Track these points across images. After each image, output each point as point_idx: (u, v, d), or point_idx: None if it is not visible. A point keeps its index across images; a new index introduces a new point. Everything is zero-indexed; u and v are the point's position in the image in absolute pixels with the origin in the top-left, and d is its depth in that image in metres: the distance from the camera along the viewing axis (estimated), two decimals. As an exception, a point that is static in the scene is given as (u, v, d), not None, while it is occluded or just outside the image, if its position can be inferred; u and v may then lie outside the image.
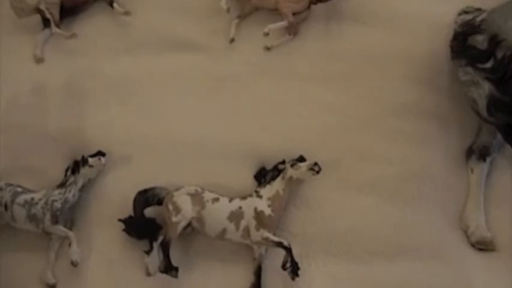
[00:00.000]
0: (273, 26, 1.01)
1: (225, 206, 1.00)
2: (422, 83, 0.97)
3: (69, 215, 1.15)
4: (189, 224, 1.03)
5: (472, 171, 0.91)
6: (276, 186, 0.98)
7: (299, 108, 0.99)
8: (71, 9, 1.30)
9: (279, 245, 0.96)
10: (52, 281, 1.10)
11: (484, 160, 0.91)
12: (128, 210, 1.10)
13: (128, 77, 1.12)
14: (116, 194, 1.12)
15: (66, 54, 1.19)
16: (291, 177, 0.97)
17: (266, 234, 0.97)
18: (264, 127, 0.99)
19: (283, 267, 0.99)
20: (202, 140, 1.03)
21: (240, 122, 1.01)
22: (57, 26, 1.27)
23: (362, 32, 1.01)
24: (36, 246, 1.08)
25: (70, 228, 1.14)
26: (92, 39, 1.19)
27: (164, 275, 0.97)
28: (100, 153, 1.17)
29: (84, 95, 1.14)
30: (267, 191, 0.99)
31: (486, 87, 0.84)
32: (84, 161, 1.14)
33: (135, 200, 1.12)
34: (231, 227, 0.97)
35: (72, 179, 1.16)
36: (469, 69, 0.87)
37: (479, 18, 0.89)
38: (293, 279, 0.98)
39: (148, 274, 1.05)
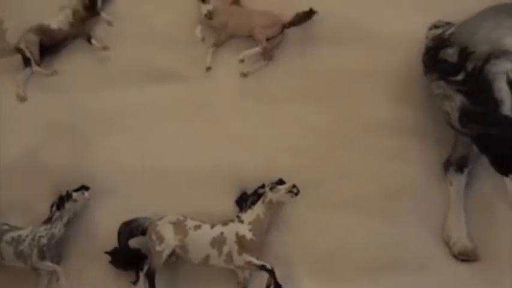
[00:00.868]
0: (247, 53, 1.02)
1: (207, 233, 1.01)
2: (398, 99, 0.97)
3: (56, 250, 1.16)
4: (173, 252, 1.03)
5: (450, 183, 0.91)
6: (257, 210, 0.99)
7: (277, 130, 0.99)
8: (50, 47, 1.32)
9: (262, 268, 0.97)
10: None
11: (462, 171, 0.91)
12: (114, 242, 1.08)
13: (110, 110, 1.13)
14: (102, 226, 1.12)
15: (48, 91, 1.20)
16: (271, 201, 0.98)
17: (249, 258, 0.97)
18: (244, 151, 1.00)
19: None
20: (184, 168, 1.04)
21: (220, 148, 1.02)
22: (38, 64, 1.28)
23: (335, 52, 1.01)
24: (25, 282, 1.07)
25: (58, 263, 1.15)
26: (72, 76, 1.21)
27: (152, 304, 0.98)
28: (84, 188, 1.17)
29: (67, 130, 1.14)
30: (248, 215, 1.00)
31: (458, 99, 0.84)
32: (68, 196, 1.14)
33: (120, 232, 1.13)
34: (213, 252, 0.98)
35: (57, 214, 1.17)
36: (441, 82, 0.87)
37: (448, 32, 0.89)
38: None
39: None
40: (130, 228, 1.13)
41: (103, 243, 1.11)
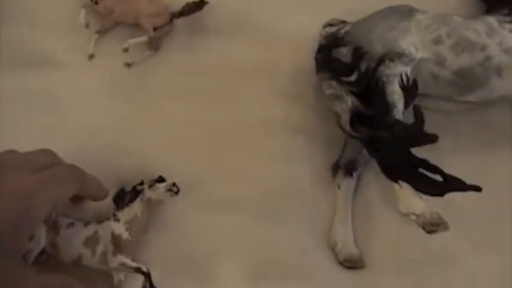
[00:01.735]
0: (132, 41, 0.96)
1: (80, 231, 0.92)
2: (288, 97, 0.92)
3: None
4: (43, 251, 0.95)
5: (338, 187, 0.87)
6: (135, 208, 0.91)
7: (160, 126, 0.92)
8: None
9: (137, 270, 0.89)
10: None
11: (351, 175, 0.88)
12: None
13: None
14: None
15: None
16: (149, 199, 0.90)
17: (123, 259, 0.89)
18: (124, 147, 0.92)
19: None
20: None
21: (98, 142, 0.94)
22: None
23: (226, 45, 0.95)
24: None
25: None
26: None
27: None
28: None
29: None
30: (125, 213, 0.92)
31: (349, 101, 0.81)
32: None
33: None
34: (87, 253, 0.90)
35: None
36: (333, 82, 0.83)
37: (343, 31, 0.86)
38: None
39: None
40: None
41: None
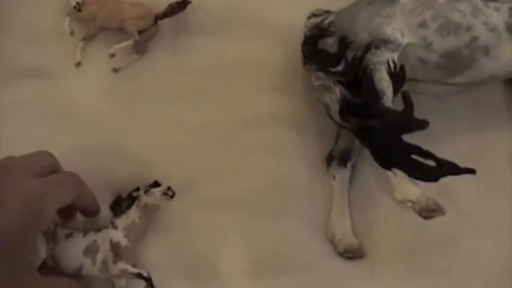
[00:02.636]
0: (118, 46, 0.95)
1: (79, 241, 0.92)
2: (277, 91, 0.91)
3: None
4: (44, 263, 0.95)
5: (333, 178, 0.86)
6: (132, 215, 0.91)
7: (152, 129, 0.91)
8: None
9: (138, 276, 0.89)
10: None
11: (345, 165, 0.87)
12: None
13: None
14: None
15: None
16: (146, 204, 0.90)
17: (124, 266, 0.89)
18: (117, 153, 0.92)
19: None
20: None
21: (92, 149, 0.94)
22: None
23: (212, 43, 0.94)
24: None
25: None
26: None
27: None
28: None
29: None
30: (123, 220, 0.91)
31: (338, 91, 0.80)
32: None
33: None
34: (87, 262, 0.89)
35: None
36: (321, 74, 0.82)
37: (327, 21, 0.85)
38: None
39: None
40: None
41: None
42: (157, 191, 0.82)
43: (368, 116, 0.71)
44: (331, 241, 0.81)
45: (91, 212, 0.74)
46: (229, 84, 0.88)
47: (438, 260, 0.85)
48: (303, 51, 0.81)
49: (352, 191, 0.85)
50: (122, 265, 0.80)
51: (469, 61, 0.75)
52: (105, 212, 0.87)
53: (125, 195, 0.83)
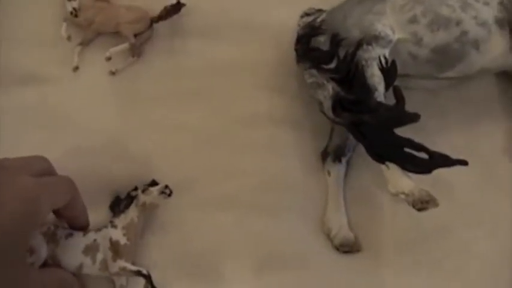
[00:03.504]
0: (114, 50, 0.95)
1: (79, 241, 0.93)
2: (271, 90, 0.91)
3: None
4: (45, 263, 0.96)
5: (329, 173, 0.87)
6: (130, 214, 0.91)
7: (149, 130, 0.92)
8: None
9: (138, 273, 0.89)
10: None
11: (340, 161, 0.88)
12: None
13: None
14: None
15: None
16: (144, 203, 0.90)
17: (123, 264, 0.90)
18: (116, 154, 0.93)
19: None
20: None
21: (90, 151, 0.95)
22: None
23: (207, 45, 0.95)
24: None
25: None
26: None
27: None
28: None
29: None
30: (122, 219, 0.92)
31: (330, 88, 0.81)
32: None
33: None
34: (87, 261, 0.90)
35: None
36: (314, 71, 0.83)
37: (319, 19, 0.86)
38: None
39: None
40: None
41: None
42: (154, 189, 0.83)
43: (360, 111, 0.72)
44: (328, 235, 0.81)
45: (79, 223, 0.75)
46: (225, 84, 0.88)
47: (433, 251, 0.85)
48: (296, 49, 0.82)
49: (347, 186, 0.85)
50: (121, 263, 0.81)
51: (460, 55, 0.76)
52: (104, 211, 0.88)
53: (123, 195, 0.83)
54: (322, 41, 0.74)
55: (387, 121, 0.69)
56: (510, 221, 0.78)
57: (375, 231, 0.79)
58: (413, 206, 0.64)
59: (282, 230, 0.84)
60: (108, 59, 0.83)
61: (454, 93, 0.79)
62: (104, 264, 0.85)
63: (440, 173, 0.67)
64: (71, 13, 0.89)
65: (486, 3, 0.73)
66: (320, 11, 0.80)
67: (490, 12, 0.71)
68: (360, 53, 0.71)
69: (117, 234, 0.88)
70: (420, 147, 0.64)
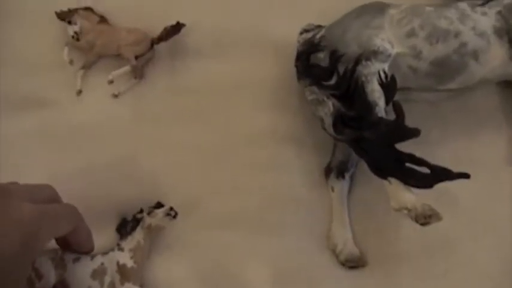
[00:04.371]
0: (116, 73, 0.96)
1: (87, 265, 0.93)
2: (273, 107, 0.92)
3: None
4: None
5: (332, 189, 0.87)
6: (137, 236, 0.92)
7: (153, 151, 0.93)
8: None
9: None
10: None
11: (343, 177, 0.88)
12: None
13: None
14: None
15: None
16: (149, 226, 0.91)
17: (131, 286, 0.91)
18: (121, 177, 0.93)
19: None
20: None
21: (96, 174, 0.95)
22: None
23: (208, 64, 0.95)
24: None
25: None
26: None
27: None
28: None
29: None
30: (128, 242, 0.92)
31: (331, 105, 0.82)
32: None
33: None
34: (95, 285, 0.90)
35: None
36: (314, 88, 0.83)
37: (318, 35, 0.86)
38: None
39: None
40: None
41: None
42: (160, 212, 0.83)
43: (361, 127, 0.72)
44: (333, 251, 0.81)
45: (84, 249, 0.75)
46: (227, 103, 0.89)
47: (439, 264, 0.85)
48: (296, 66, 0.83)
49: (351, 201, 0.84)
50: (129, 286, 0.81)
51: (459, 67, 0.76)
52: (111, 233, 0.90)
53: (129, 218, 0.84)
54: (321, 58, 0.75)
55: (388, 136, 0.71)
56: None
57: (380, 245, 0.79)
58: (417, 221, 0.64)
59: (287, 246, 0.85)
60: (111, 82, 0.84)
61: (455, 103, 0.79)
62: (112, 287, 0.83)
63: (444, 185, 0.68)
64: (73, 37, 0.90)
65: (484, 14, 0.73)
66: (319, 27, 0.80)
67: (488, 22, 0.72)
68: (359, 68, 0.72)
69: (124, 258, 0.89)
70: (421, 162, 0.65)
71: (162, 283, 0.82)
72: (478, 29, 0.75)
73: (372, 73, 0.75)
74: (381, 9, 0.80)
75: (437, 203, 0.68)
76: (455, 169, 0.67)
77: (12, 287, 0.61)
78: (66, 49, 0.92)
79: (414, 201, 0.69)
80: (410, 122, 0.69)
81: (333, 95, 0.76)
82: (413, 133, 0.68)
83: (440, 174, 0.67)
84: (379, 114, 0.72)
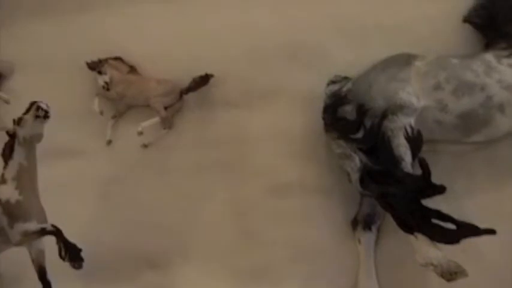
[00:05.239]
0: (146, 124, 0.98)
1: None
2: (301, 158, 0.94)
3: None
4: None
5: (359, 241, 0.88)
6: (17, 158, 0.85)
7: (180, 202, 0.95)
8: None
9: (43, 232, 0.80)
10: None
11: (370, 229, 0.89)
12: None
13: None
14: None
15: None
16: (24, 138, 0.86)
17: (23, 227, 0.82)
18: (149, 226, 0.95)
19: (60, 256, 0.82)
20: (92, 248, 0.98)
21: (125, 223, 0.97)
22: None
23: (236, 115, 0.98)
24: None
25: None
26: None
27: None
28: None
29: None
30: (10, 170, 0.85)
31: (357, 159, 0.82)
32: None
33: None
34: None
35: None
36: (341, 141, 0.85)
37: (345, 88, 0.87)
38: (75, 267, 0.82)
39: None
40: None
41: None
42: (27, 116, 0.83)
43: (387, 182, 0.72)
44: (360, 303, 0.80)
45: None
46: (255, 154, 0.90)
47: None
48: (323, 118, 0.84)
49: (378, 252, 0.84)
50: (20, 227, 0.76)
51: (485, 120, 0.76)
52: (140, 282, 0.96)
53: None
54: (348, 111, 0.76)
55: (414, 192, 0.76)
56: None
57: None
58: (442, 277, 0.66)
59: (315, 299, 0.78)
60: (140, 133, 0.85)
61: (481, 154, 0.81)
62: (5, 236, 0.77)
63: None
64: (103, 87, 0.92)
65: (510, 65, 0.73)
66: (346, 78, 0.82)
67: (514, 75, 0.70)
68: (385, 123, 0.73)
69: (7, 191, 0.78)
70: (447, 218, 0.66)
71: None
72: (504, 81, 0.76)
73: (398, 127, 0.75)
74: (407, 61, 0.82)
75: (462, 254, 0.68)
76: (482, 222, 0.67)
77: None
78: (96, 99, 0.95)
79: (440, 257, 0.69)
80: (436, 173, 0.71)
81: (360, 149, 0.76)
82: (439, 190, 0.69)
83: (467, 231, 0.68)
84: (405, 169, 0.73)
